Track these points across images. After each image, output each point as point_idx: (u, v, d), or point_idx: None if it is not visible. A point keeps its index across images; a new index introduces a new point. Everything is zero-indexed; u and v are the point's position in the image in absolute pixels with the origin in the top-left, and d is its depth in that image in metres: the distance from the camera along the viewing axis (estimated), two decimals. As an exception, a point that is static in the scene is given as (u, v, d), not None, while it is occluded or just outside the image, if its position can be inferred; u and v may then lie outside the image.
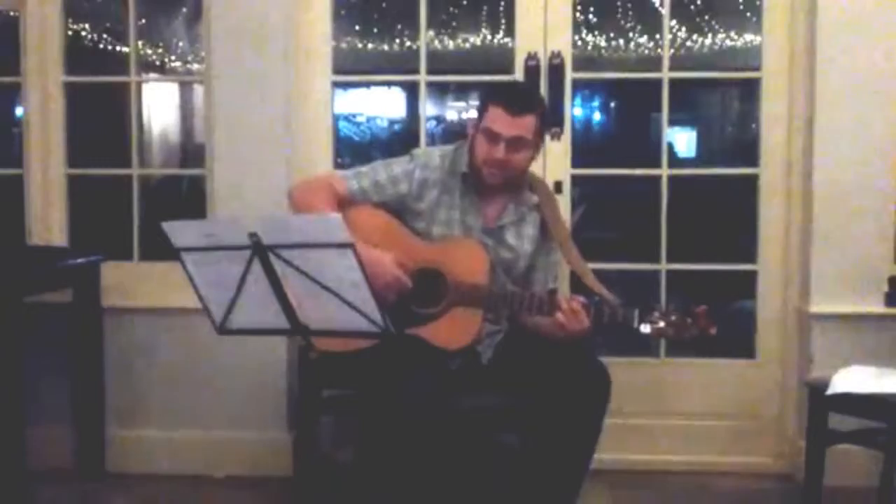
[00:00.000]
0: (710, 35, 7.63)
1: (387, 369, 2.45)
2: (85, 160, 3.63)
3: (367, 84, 6.83)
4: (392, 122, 9.35)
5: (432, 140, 6.79)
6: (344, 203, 2.66)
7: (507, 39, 6.46)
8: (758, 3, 3.43)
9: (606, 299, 2.56)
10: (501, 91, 2.76)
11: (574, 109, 3.72)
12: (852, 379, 2.66)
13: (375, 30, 7.31)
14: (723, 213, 4.52)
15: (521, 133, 2.61)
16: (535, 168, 3.36)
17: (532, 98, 2.77)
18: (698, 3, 7.01)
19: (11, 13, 3.61)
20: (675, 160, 5.43)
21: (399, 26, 7.01)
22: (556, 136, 3.42)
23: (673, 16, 3.52)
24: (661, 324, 2.46)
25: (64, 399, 3.34)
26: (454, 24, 7.41)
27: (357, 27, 7.20)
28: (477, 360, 2.66)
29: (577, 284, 3.16)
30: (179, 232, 1.98)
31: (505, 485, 2.73)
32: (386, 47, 7.42)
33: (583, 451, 2.52)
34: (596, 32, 7.51)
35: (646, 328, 2.47)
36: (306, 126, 3.45)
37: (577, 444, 2.50)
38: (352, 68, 4.34)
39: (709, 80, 8.54)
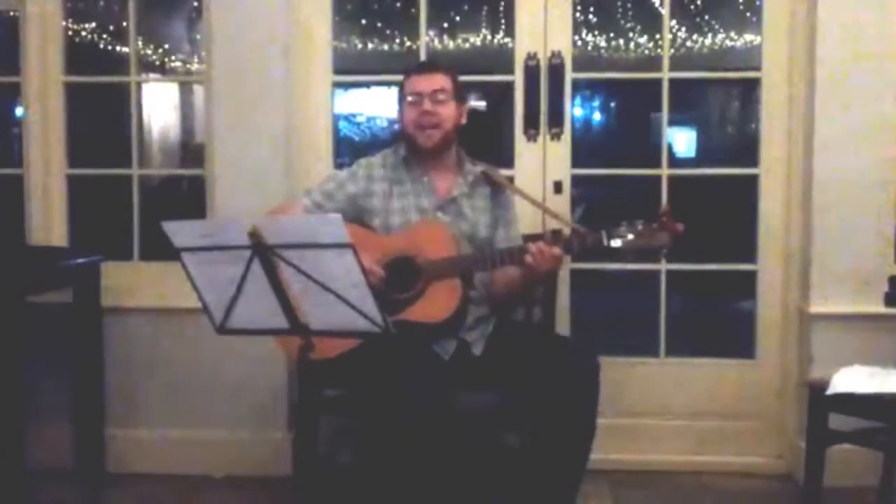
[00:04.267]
0: (710, 35, 7.64)
1: (383, 367, 2.46)
2: (85, 160, 3.63)
3: (367, 84, 6.84)
4: (392, 122, 9.34)
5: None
6: None
7: (507, 39, 6.47)
8: (758, 3, 3.42)
9: (573, 228, 2.62)
10: (411, 66, 2.90)
11: (574, 109, 3.72)
12: (852, 379, 2.66)
13: (375, 30, 7.31)
14: (723, 213, 4.52)
15: (438, 85, 2.76)
16: (536, 168, 3.40)
17: (437, 62, 3.00)
18: (698, 3, 7.03)
19: (11, 13, 3.61)
20: (674, 160, 5.43)
21: (399, 26, 7.02)
22: (556, 137, 3.42)
23: (673, 16, 3.52)
24: (630, 236, 2.51)
25: (64, 399, 3.34)
26: (454, 24, 7.41)
27: (357, 27, 7.20)
28: (469, 351, 2.69)
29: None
30: (180, 232, 1.98)
31: (504, 484, 2.73)
32: (386, 47, 7.43)
33: (580, 441, 2.52)
34: (596, 32, 7.52)
35: (616, 243, 2.52)
36: (306, 126, 3.45)
37: (572, 436, 2.51)
38: (352, 68, 4.32)
39: (709, 80, 8.56)
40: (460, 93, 2.83)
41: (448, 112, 2.77)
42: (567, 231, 2.63)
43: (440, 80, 2.77)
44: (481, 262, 2.67)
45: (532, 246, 2.54)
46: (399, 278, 2.62)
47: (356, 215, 2.77)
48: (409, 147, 2.80)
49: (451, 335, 2.66)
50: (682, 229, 2.53)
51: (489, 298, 2.79)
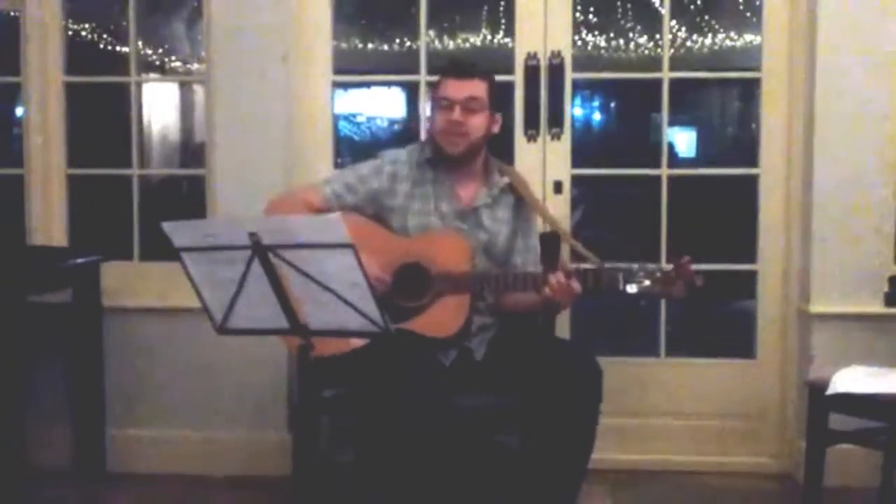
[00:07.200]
0: (710, 35, 7.64)
1: (383, 369, 2.45)
2: (85, 160, 3.63)
3: (367, 84, 6.84)
4: (392, 122, 9.36)
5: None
6: (322, 212, 2.66)
7: (507, 39, 6.46)
8: (758, 3, 3.43)
9: (590, 260, 2.59)
10: (447, 65, 2.81)
11: (574, 109, 3.72)
12: (852, 379, 2.65)
13: (375, 30, 7.31)
14: (723, 213, 4.52)
15: (472, 93, 2.65)
16: (535, 168, 3.39)
17: (477, 65, 2.82)
18: (698, 3, 7.02)
19: (11, 13, 3.61)
20: (675, 160, 5.44)
21: (399, 26, 7.01)
22: (556, 136, 3.42)
23: (673, 16, 3.52)
24: (647, 282, 2.47)
25: (64, 399, 3.34)
26: (454, 24, 7.41)
27: (357, 27, 7.20)
28: (470, 356, 2.67)
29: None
30: (180, 232, 1.98)
31: (504, 485, 2.73)
32: (386, 47, 7.42)
33: (579, 447, 2.51)
34: (596, 32, 7.51)
35: (632, 288, 2.48)
36: (306, 126, 3.45)
37: (572, 440, 2.50)
38: (352, 68, 4.33)
39: (709, 80, 8.55)
40: (495, 100, 2.73)
41: (479, 122, 2.67)
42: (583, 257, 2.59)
43: (475, 87, 2.66)
44: (494, 284, 2.62)
45: (552, 279, 2.48)
46: (408, 285, 2.58)
47: (376, 211, 2.72)
48: (434, 150, 2.73)
49: (453, 346, 2.64)
50: (701, 284, 2.50)
51: (496, 310, 2.75)
